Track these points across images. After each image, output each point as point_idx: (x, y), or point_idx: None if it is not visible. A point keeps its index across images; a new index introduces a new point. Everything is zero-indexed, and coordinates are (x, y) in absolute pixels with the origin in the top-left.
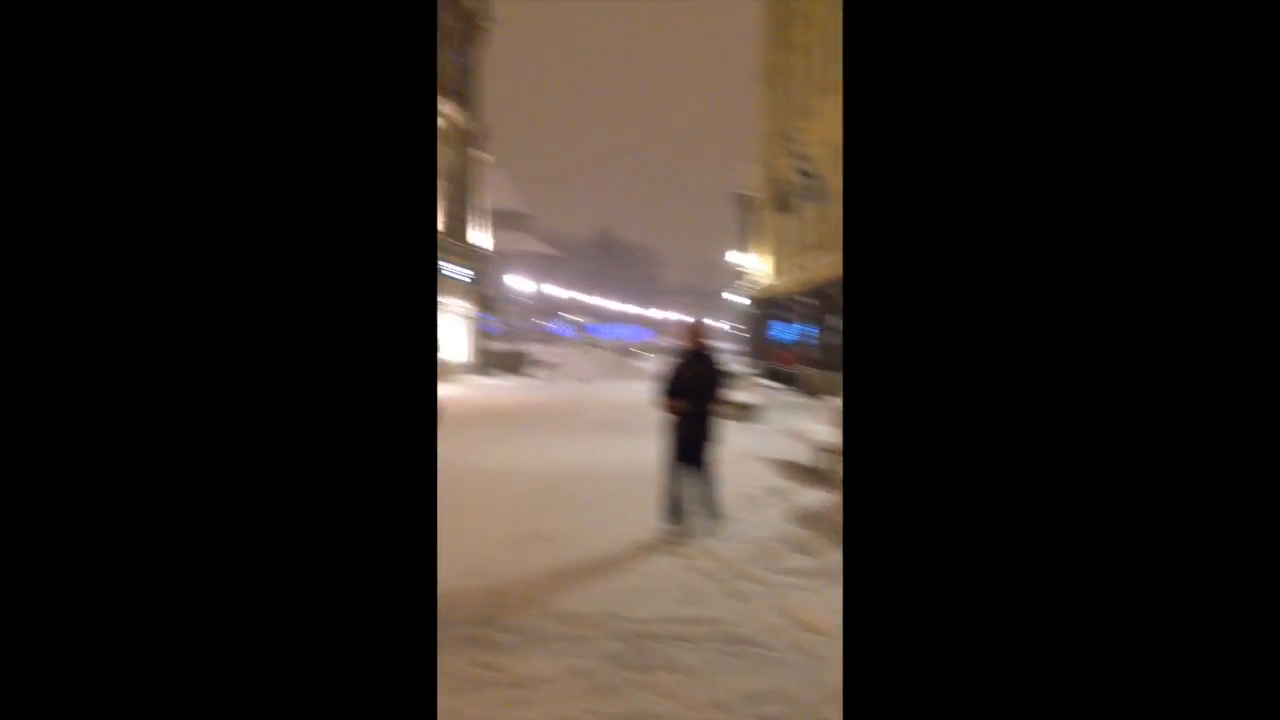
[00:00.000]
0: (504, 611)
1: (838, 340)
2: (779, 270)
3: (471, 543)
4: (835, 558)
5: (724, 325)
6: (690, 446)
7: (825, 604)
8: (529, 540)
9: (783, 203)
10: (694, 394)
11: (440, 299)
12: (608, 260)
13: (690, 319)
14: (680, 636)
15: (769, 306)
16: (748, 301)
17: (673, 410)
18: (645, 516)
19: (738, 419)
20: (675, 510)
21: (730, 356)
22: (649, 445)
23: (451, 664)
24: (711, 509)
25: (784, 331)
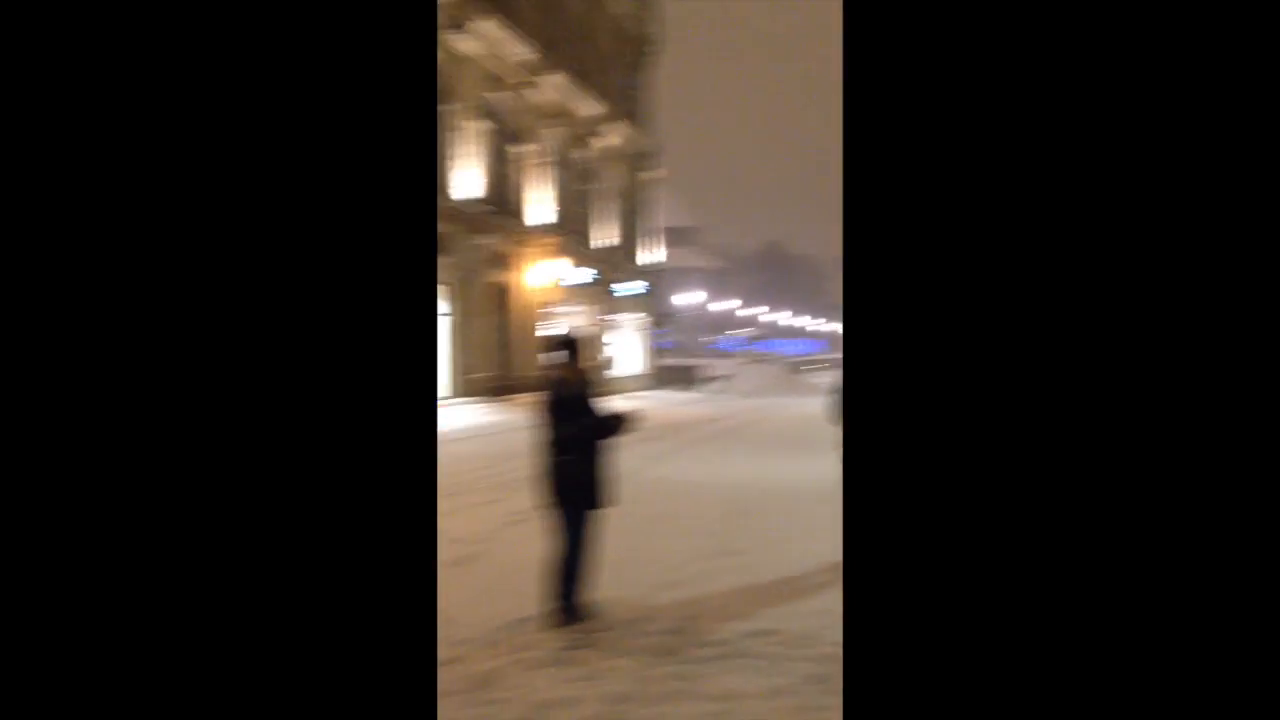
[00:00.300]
0: (699, 625)
1: None
2: None
3: (664, 555)
4: None
5: None
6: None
7: None
8: (719, 555)
9: None
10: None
11: (615, 315)
12: (777, 273)
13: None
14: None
15: None
16: None
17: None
18: (831, 536)
19: None
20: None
21: None
22: (825, 463)
23: (649, 675)
24: None
25: None
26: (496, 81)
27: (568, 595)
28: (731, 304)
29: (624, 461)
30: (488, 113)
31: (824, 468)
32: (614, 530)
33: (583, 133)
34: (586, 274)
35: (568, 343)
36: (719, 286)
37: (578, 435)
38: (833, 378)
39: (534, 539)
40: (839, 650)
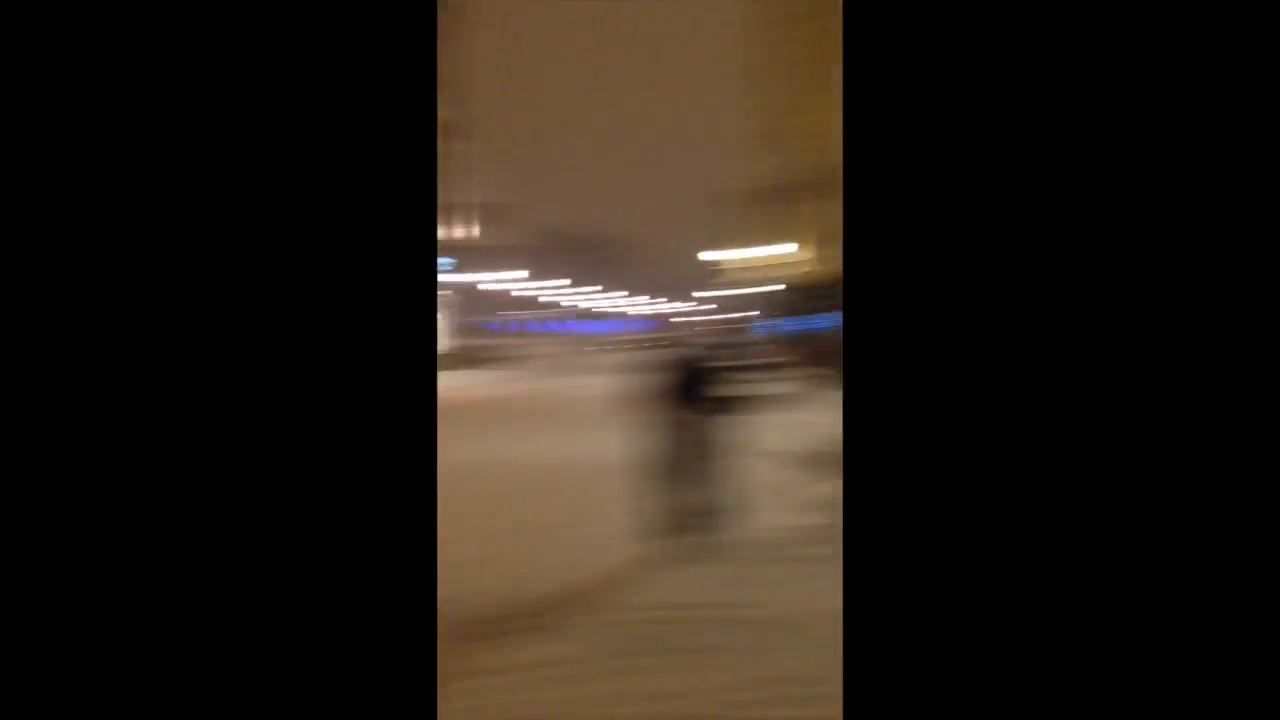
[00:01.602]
0: (520, 601)
1: (839, 332)
2: (777, 264)
3: (475, 535)
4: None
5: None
6: (680, 451)
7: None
8: (528, 531)
9: (775, 196)
10: (681, 394)
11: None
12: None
13: (672, 314)
14: (698, 620)
15: (769, 299)
16: (744, 294)
17: (661, 411)
18: (641, 509)
19: (744, 412)
20: (672, 521)
21: (730, 351)
22: (626, 440)
23: (464, 651)
24: (715, 518)
25: (789, 324)
26: None
27: None
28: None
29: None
30: None
31: (625, 444)
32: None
33: None
34: None
35: None
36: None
37: None
38: (643, 360)
39: None
40: (663, 613)
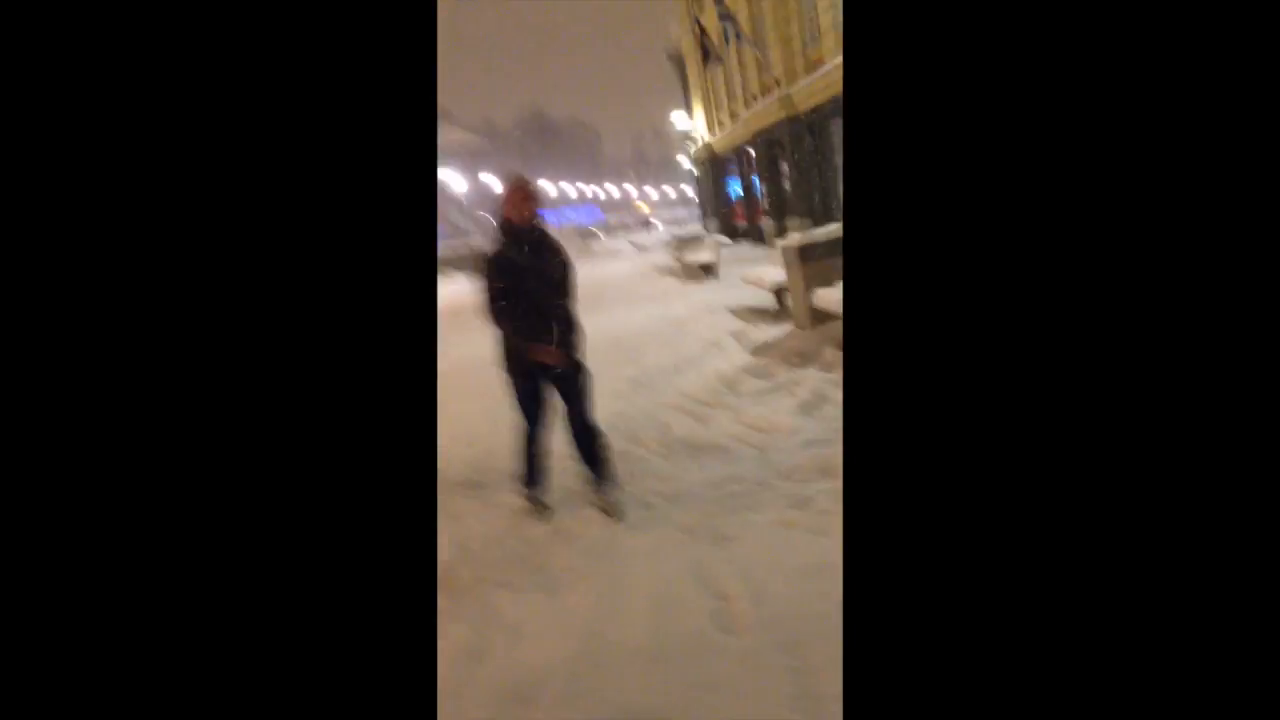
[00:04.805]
0: (497, 461)
1: (789, 189)
2: (718, 125)
3: (466, 419)
4: (786, 376)
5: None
6: (538, 387)
7: (777, 411)
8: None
9: (713, 56)
10: (534, 299)
11: None
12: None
13: (527, 183)
14: (661, 455)
15: (715, 164)
16: (697, 165)
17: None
18: (626, 375)
19: (698, 278)
20: (533, 469)
21: (686, 220)
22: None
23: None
24: (603, 472)
25: (731, 187)
26: None
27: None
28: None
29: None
30: None
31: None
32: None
33: None
34: None
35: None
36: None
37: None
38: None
39: None
40: (621, 449)
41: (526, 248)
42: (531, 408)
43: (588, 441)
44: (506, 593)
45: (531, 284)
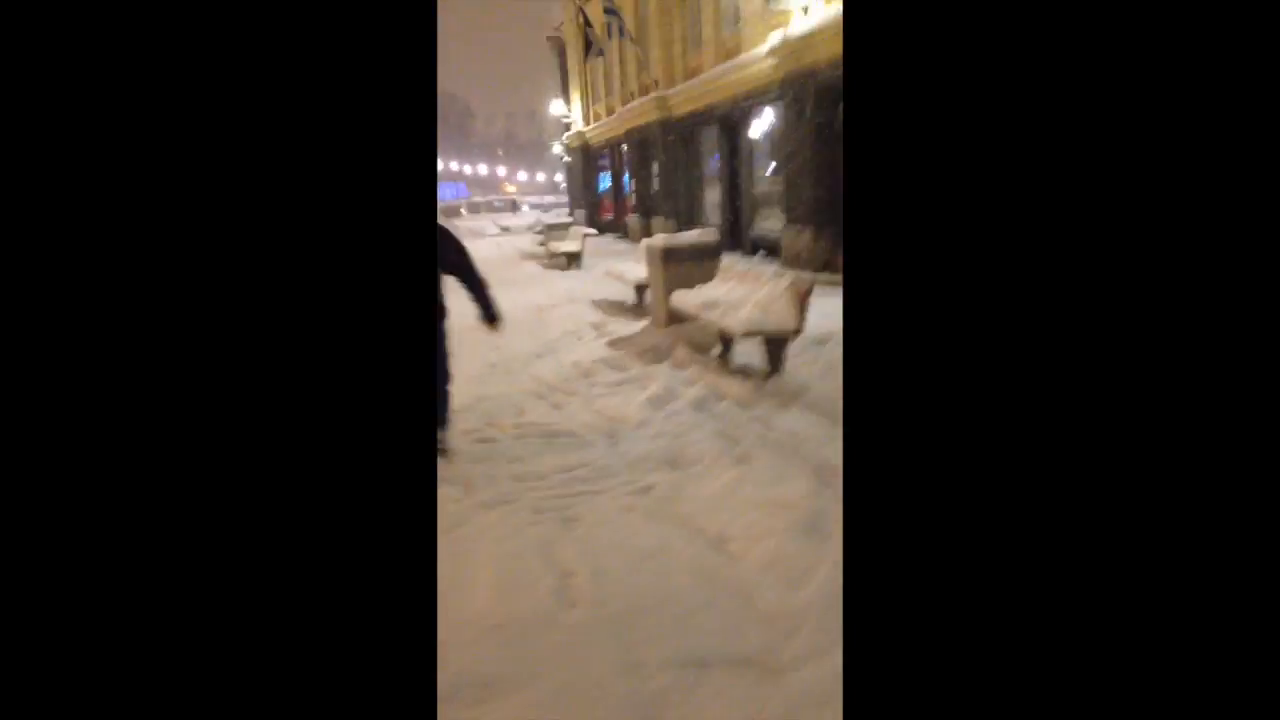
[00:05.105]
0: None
1: (657, 191)
2: (594, 117)
3: None
4: (640, 371)
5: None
6: None
7: (628, 403)
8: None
9: (593, 47)
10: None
11: None
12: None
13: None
14: (514, 438)
15: (587, 155)
16: (571, 155)
17: None
18: (487, 359)
19: (562, 267)
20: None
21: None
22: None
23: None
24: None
25: (601, 180)
26: None
27: None
28: None
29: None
30: None
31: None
32: None
33: None
34: None
35: None
36: None
37: None
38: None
39: None
40: (478, 432)
41: None
42: None
43: (441, 400)
44: None
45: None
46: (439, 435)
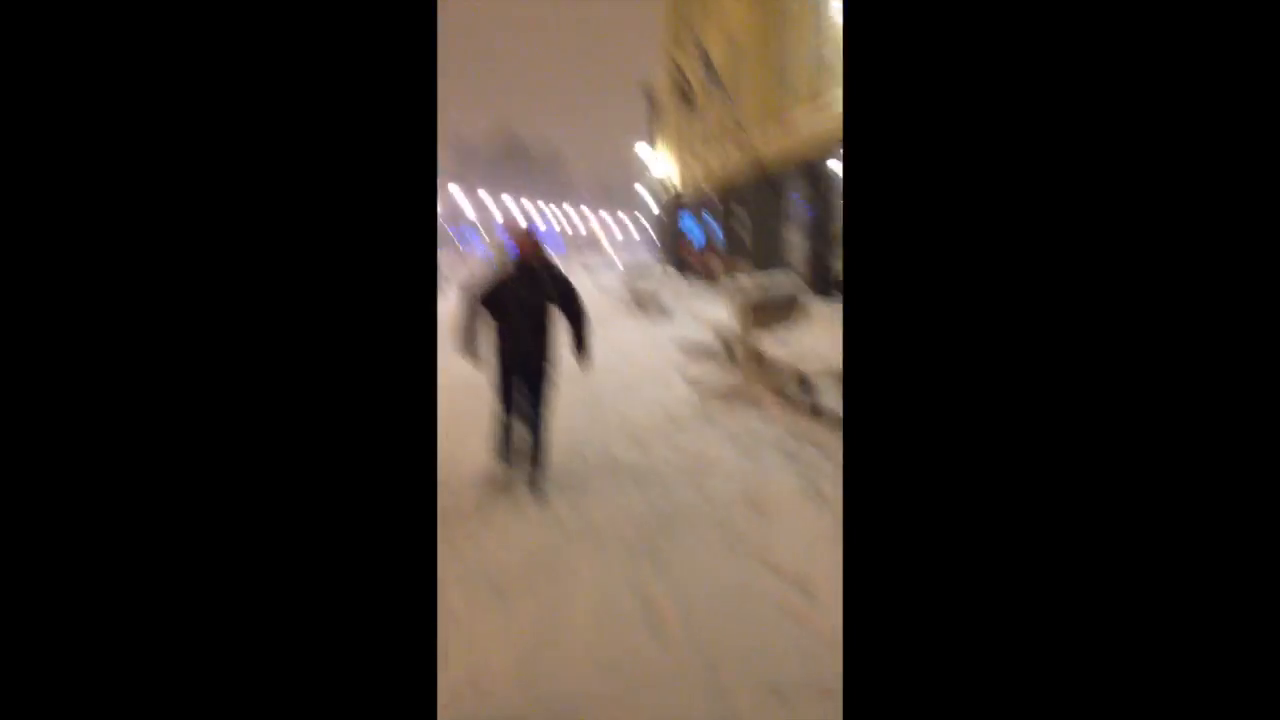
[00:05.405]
0: (448, 469)
1: (742, 234)
2: (683, 164)
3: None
4: (723, 412)
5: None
6: (516, 380)
7: (712, 444)
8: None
9: (687, 98)
10: (519, 317)
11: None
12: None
13: (523, 223)
14: (603, 476)
15: (675, 201)
16: (656, 198)
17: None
18: (575, 396)
19: (648, 310)
20: (505, 447)
21: (642, 253)
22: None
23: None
24: (535, 459)
25: (691, 227)
26: None
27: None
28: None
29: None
30: None
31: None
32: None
33: None
34: None
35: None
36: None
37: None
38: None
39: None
40: (572, 465)
41: (527, 278)
42: (505, 396)
43: (536, 440)
44: (459, 592)
45: (526, 301)
46: (533, 475)
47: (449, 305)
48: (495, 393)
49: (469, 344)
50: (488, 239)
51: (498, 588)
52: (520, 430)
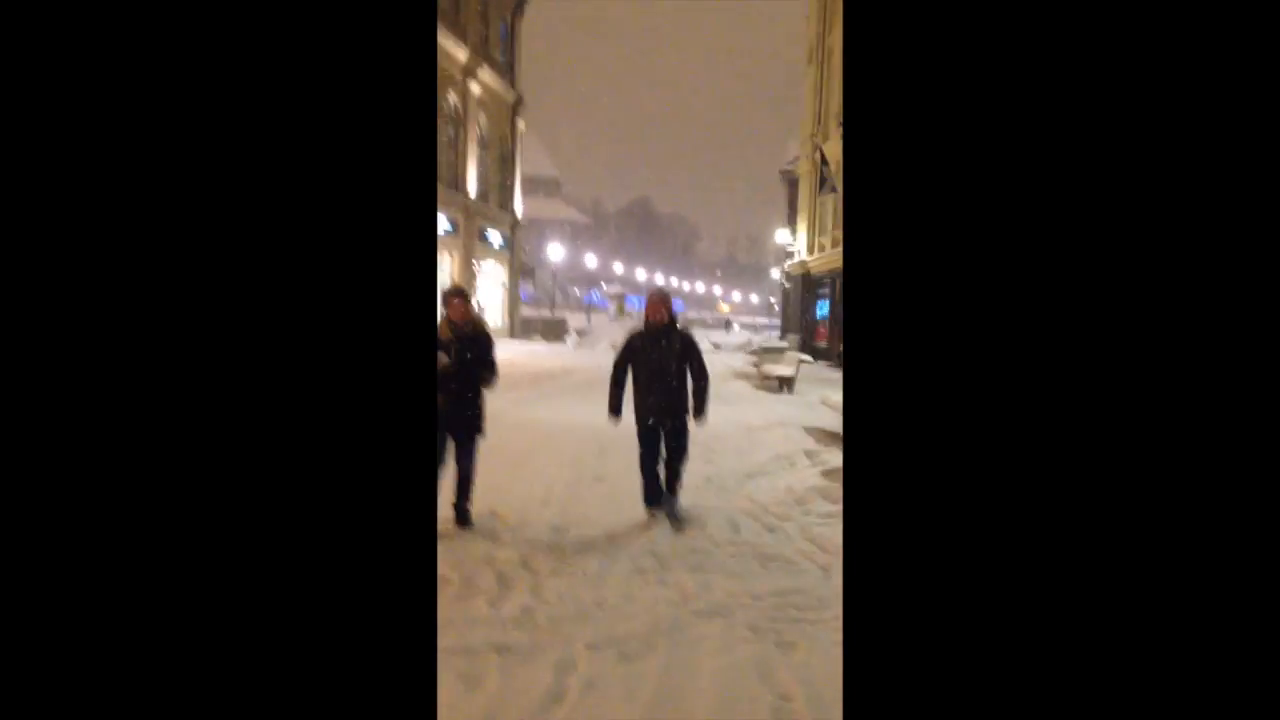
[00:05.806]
0: (569, 527)
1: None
2: (818, 248)
3: (541, 480)
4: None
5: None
6: (653, 433)
7: (841, 534)
8: (589, 482)
9: (823, 182)
10: (656, 374)
11: (478, 264)
12: (644, 230)
13: (664, 295)
14: (729, 554)
15: (807, 283)
16: (786, 278)
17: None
18: (702, 472)
19: (774, 390)
20: (653, 492)
21: (768, 330)
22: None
23: (541, 559)
24: (672, 505)
25: (820, 308)
26: None
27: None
28: (597, 259)
29: (495, 404)
30: None
31: None
32: (497, 459)
33: (449, 77)
34: (445, 222)
35: (458, 292)
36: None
37: (468, 374)
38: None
39: None
40: (697, 544)
41: (660, 340)
42: (649, 445)
43: (674, 473)
44: (584, 647)
45: (655, 362)
46: (672, 506)
47: (569, 350)
48: (642, 440)
49: (616, 404)
50: (615, 304)
51: (621, 649)
52: (660, 476)
